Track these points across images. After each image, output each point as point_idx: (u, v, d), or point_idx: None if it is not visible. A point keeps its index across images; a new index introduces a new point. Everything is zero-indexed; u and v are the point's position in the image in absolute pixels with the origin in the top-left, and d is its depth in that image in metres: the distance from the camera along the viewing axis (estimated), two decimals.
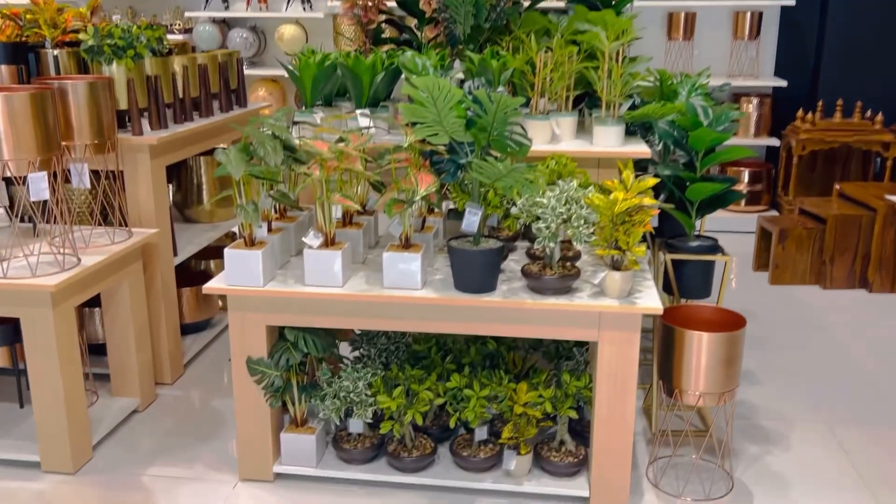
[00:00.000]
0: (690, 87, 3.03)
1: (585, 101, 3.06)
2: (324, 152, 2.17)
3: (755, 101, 5.36)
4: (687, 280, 2.66)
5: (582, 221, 2.10)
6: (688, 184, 2.58)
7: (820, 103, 5.12)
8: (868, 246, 4.15)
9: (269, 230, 2.44)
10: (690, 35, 5.35)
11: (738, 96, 5.42)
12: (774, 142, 5.37)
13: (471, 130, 2.02)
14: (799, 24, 5.42)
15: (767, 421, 2.85)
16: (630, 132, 2.95)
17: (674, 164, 2.71)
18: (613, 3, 3.25)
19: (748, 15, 5.25)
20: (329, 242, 2.27)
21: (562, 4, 5.11)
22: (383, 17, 3.38)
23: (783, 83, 5.29)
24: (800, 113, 5.14)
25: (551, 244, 2.11)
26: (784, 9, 5.37)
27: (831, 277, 4.22)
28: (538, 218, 2.15)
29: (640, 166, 2.79)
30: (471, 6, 2.86)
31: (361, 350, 2.62)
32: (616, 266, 2.17)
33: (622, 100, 2.70)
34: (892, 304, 4.02)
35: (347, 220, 2.49)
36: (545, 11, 3.33)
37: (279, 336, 2.39)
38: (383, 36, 3.48)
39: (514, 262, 2.48)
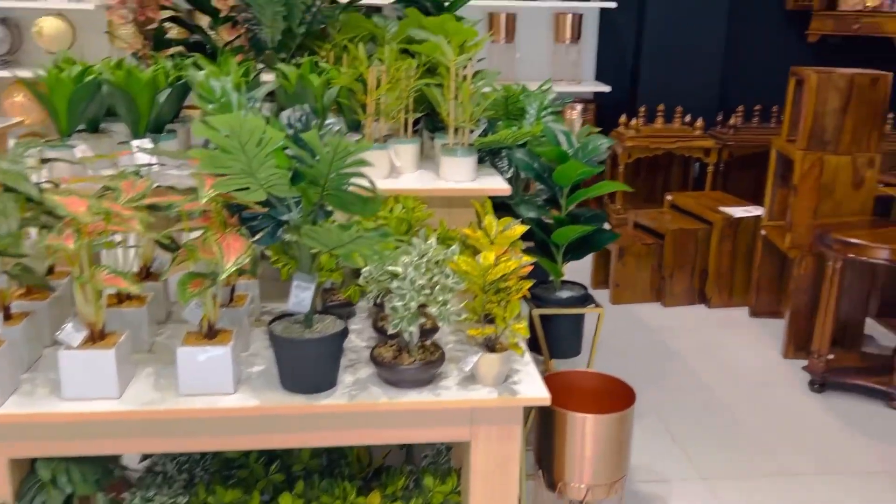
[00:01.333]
0: (539, 105, 2.64)
1: (423, 121, 2.58)
2: (81, 214, 1.52)
3: (579, 106, 5.16)
4: (556, 337, 2.26)
5: (449, 295, 1.61)
6: (553, 226, 2.18)
7: (642, 109, 5.01)
8: (705, 260, 4.03)
9: (7, 318, 1.73)
10: (512, 37, 5.04)
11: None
12: None
13: (298, 185, 1.46)
14: (618, 28, 5.29)
15: (645, 484, 2.54)
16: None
17: (531, 200, 2.29)
18: (447, 4, 2.79)
19: (568, 17, 5.03)
20: (96, 337, 1.62)
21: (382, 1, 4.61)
22: (167, 13, 2.69)
23: (606, 88, 5.14)
24: (623, 119, 5.00)
25: (411, 328, 1.60)
26: (604, 11, 5.22)
27: (671, 293, 4.06)
28: (390, 291, 1.63)
29: (494, 202, 2.36)
30: (280, 6, 2.27)
31: (153, 462, 1.97)
32: (491, 346, 1.70)
33: (473, 125, 2.24)
34: (731, 319, 3.93)
35: (125, 294, 1.83)
36: (367, 12, 2.80)
37: (30, 471, 1.70)
38: (167, 37, 2.79)
39: (357, 333, 1.94)
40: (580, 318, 2.27)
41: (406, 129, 2.33)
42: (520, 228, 1.85)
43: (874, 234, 3.04)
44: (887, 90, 3.25)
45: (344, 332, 1.67)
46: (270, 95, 2.32)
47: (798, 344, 3.44)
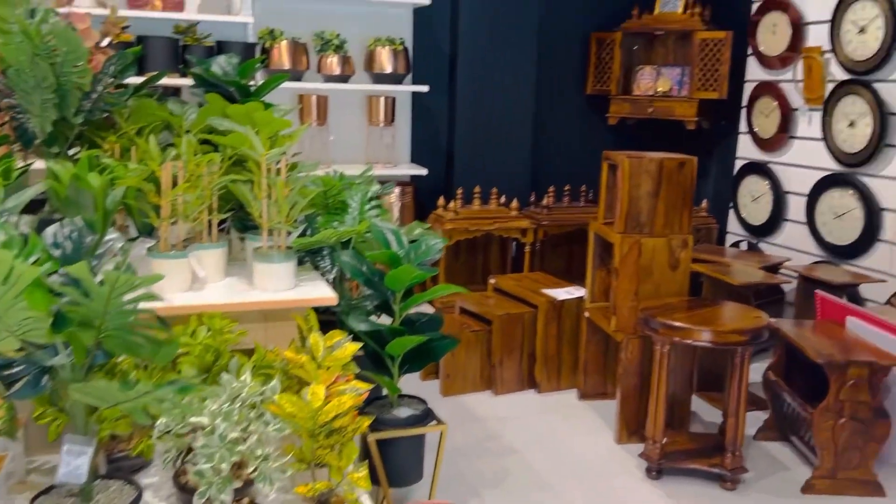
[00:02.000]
0: (362, 197, 2.43)
1: (231, 220, 2.28)
2: None
3: (397, 190, 5.03)
4: (395, 462, 1.99)
5: (269, 449, 1.31)
6: (388, 335, 1.94)
7: (459, 191, 4.97)
8: (533, 344, 3.96)
9: None
10: (324, 120, 4.85)
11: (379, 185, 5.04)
12: None
13: (63, 331, 1.12)
14: (432, 110, 5.27)
15: None
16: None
17: (360, 307, 2.05)
18: (253, 89, 2.53)
19: (381, 100, 4.93)
20: None
21: (182, 82, 4.26)
22: None
23: (423, 171, 5.06)
24: (441, 201, 4.92)
25: (223, 496, 1.28)
26: (416, 95, 5.18)
27: (502, 381, 3.94)
28: (191, 449, 1.31)
29: (317, 309, 2.08)
30: (50, 93, 1.90)
31: None
32: None
33: (290, 226, 1.98)
34: (561, 403, 3.85)
35: None
36: (162, 97, 2.48)
37: None
38: None
39: (153, 490, 1.57)
40: (421, 437, 2.03)
41: (210, 232, 2.02)
42: (352, 347, 1.60)
43: (694, 315, 3.08)
44: (693, 173, 3.37)
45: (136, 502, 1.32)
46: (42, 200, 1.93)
47: (630, 428, 3.40)
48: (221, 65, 2.60)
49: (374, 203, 2.41)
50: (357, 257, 2.04)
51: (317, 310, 1.96)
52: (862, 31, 4.10)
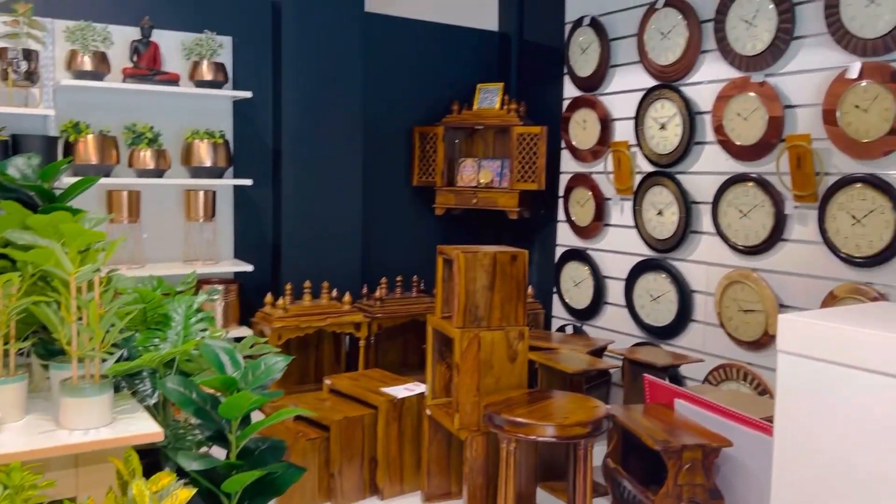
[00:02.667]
0: (187, 309, 2.21)
1: (32, 347, 1.98)
2: None
3: (220, 288, 4.75)
4: None
5: None
6: (223, 471, 1.73)
7: (288, 287, 4.77)
8: (374, 448, 3.78)
9: None
10: (136, 217, 4.51)
11: (200, 284, 4.74)
12: (245, 331, 4.81)
13: None
14: (256, 204, 5.07)
15: None
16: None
17: (188, 438, 1.82)
18: (57, 195, 2.27)
19: (200, 194, 4.68)
20: None
21: None
22: None
23: (248, 267, 4.82)
24: (269, 298, 4.70)
25: None
26: (239, 188, 4.98)
27: (342, 491, 3.71)
28: None
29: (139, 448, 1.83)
30: None
31: None
32: None
33: (105, 353, 1.73)
34: None
35: None
36: None
37: None
38: None
39: None
40: None
41: (7, 364, 1.73)
42: (184, 494, 1.39)
43: (535, 410, 3.07)
44: (525, 265, 3.42)
45: None
46: None
47: None
48: (19, 167, 2.32)
49: (200, 315, 2.20)
50: (184, 383, 1.82)
51: (138, 449, 1.71)
52: (663, 127, 4.45)
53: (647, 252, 4.62)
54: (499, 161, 5.55)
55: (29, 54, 4.01)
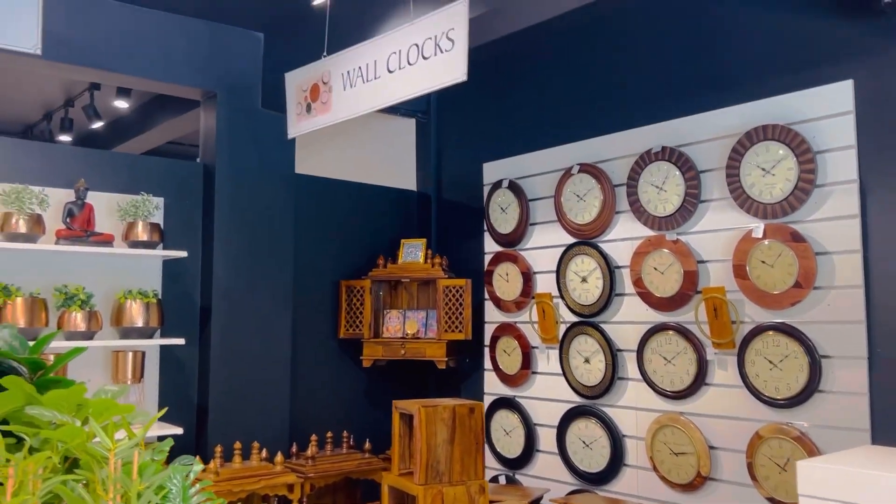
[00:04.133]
0: (183, 479, 2.17)
1: None
2: None
3: (166, 450, 4.52)
4: None
5: None
6: None
7: (218, 449, 4.62)
8: None
9: None
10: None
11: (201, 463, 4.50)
12: None
13: None
14: (182, 364, 4.96)
15: None
16: None
17: None
18: (43, 368, 2.22)
19: (129, 356, 4.55)
20: None
21: None
22: None
23: (177, 430, 4.64)
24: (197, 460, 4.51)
25: None
26: (164, 348, 4.87)
27: None
28: None
29: None
30: None
31: None
32: None
33: None
34: None
35: None
36: None
37: None
38: None
39: None
40: None
41: None
42: None
43: None
44: (482, 417, 3.53)
45: None
46: None
47: None
48: (6, 339, 2.27)
49: (200, 485, 2.16)
50: None
51: None
52: (584, 280, 4.79)
53: (577, 399, 4.83)
54: (423, 312, 5.73)
55: None
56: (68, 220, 4.40)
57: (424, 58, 3.25)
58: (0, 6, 2.94)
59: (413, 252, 5.80)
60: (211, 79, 5.07)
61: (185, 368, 4.98)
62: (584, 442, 4.73)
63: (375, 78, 3.53)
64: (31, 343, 2.12)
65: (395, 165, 6.41)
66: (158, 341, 4.63)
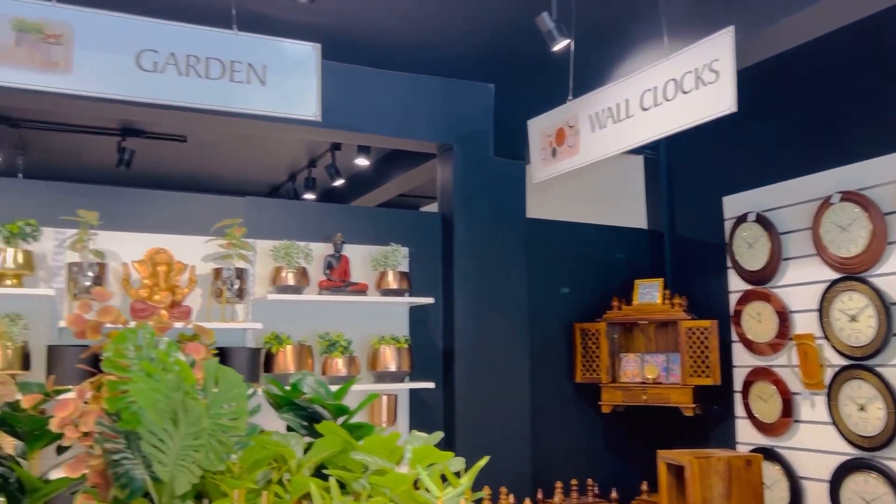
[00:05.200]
0: None
1: None
2: None
3: None
4: None
5: None
6: None
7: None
8: None
9: None
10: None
11: None
12: None
13: None
14: (428, 405, 5.10)
15: None
16: None
17: None
18: (346, 413, 2.34)
19: (384, 399, 4.74)
20: None
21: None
22: None
23: None
24: None
25: None
26: (413, 392, 5.03)
27: None
28: None
29: None
30: (192, 439, 1.66)
31: None
32: None
33: None
34: None
35: None
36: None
37: None
38: None
39: None
40: None
41: None
42: None
43: None
44: (760, 470, 3.27)
45: None
46: None
47: None
48: (311, 385, 2.42)
49: None
50: None
51: None
52: (853, 319, 4.36)
53: (852, 450, 4.36)
54: (664, 355, 5.49)
55: (240, 273, 4.31)
56: (328, 271, 4.71)
57: (684, 92, 3.14)
58: (282, 79, 3.23)
59: (649, 293, 5.61)
60: (446, 132, 5.27)
61: (431, 411, 5.10)
62: (864, 500, 4.25)
63: (628, 117, 3.47)
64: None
65: (622, 204, 6.28)
66: (409, 385, 4.79)
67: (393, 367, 4.68)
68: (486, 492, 4.67)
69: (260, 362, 4.35)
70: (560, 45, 3.76)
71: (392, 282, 4.79)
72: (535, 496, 4.98)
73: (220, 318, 4.27)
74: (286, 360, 4.41)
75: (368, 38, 4.68)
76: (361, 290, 4.71)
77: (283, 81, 3.18)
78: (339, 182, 7.15)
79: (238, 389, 1.71)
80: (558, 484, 4.94)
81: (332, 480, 1.79)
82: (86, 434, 1.89)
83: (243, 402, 1.74)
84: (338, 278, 4.69)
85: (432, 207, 8.34)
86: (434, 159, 5.73)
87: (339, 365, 4.53)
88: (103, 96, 2.95)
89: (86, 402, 1.93)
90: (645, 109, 3.37)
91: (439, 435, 2.04)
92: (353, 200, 7.74)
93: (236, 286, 4.27)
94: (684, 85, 3.15)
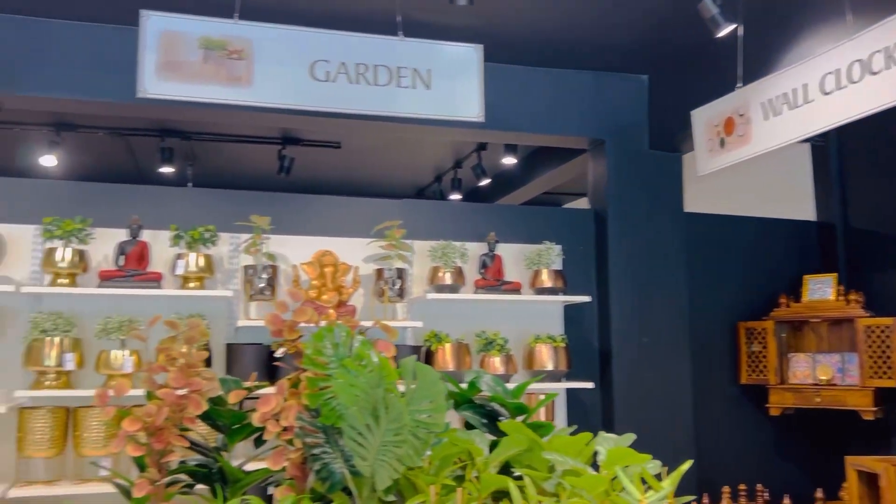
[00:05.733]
0: None
1: None
2: None
3: None
4: None
5: None
6: None
7: None
8: None
9: None
10: None
11: None
12: None
13: None
14: (585, 406, 5.01)
15: None
16: None
17: None
18: (525, 412, 2.32)
19: (542, 398, 4.71)
20: None
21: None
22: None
23: None
24: None
25: None
26: (570, 391, 4.97)
27: None
28: None
29: None
30: (394, 433, 1.69)
31: None
32: None
33: None
34: None
35: None
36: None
37: None
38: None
39: None
40: None
41: None
42: None
43: None
44: None
45: None
46: None
47: None
48: (488, 383, 2.43)
49: None
50: None
51: None
52: None
53: None
54: (838, 355, 5.13)
55: (401, 273, 4.41)
56: (482, 270, 4.73)
57: (872, 73, 2.91)
58: (446, 82, 3.25)
59: (821, 289, 5.26)
60: (598, 126, 5.16)
61: (588, 412, 5.02)
62: None
63: (807, 102, 3.26)
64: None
65: (786, 195, 5.94)
66: (567, 384, 4.73)
67: (550, 366, 4.64)
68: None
69: (421, 360, 4.42)
70: (725, 30, 3.59)
71: (546, 280, 4.75)
72: (700, 501, 4.78)
73: (381, 317, 4.38)
74: (445, 357, 4.47)
75: (520, 36, 4.66)
76: (515, 288, 4.70)
77: (446, 84, 3.22)
78: (484, 182, 7.18)
79: (436, 386, 1.74)
80: (725, 489, 4.72)
81: (526, 480, 1.79)
82: (286, 428, 1.97)
83: (441, 398, 1.76)
84: (492, 277, 4.70)
85: (577, 204, 8.23)
86: (581, 155, 5.63)
87: (497, 363, 4.54)
88: (281, 107, 3.09)
89: (284, 399, 2.02)
90: (826, 94, 3.14)
91: (631, 437, 1.99)
92: (498, 199, 7.75)
93: (397, 286, 4.37)
94: (873, 65, 2.91)
